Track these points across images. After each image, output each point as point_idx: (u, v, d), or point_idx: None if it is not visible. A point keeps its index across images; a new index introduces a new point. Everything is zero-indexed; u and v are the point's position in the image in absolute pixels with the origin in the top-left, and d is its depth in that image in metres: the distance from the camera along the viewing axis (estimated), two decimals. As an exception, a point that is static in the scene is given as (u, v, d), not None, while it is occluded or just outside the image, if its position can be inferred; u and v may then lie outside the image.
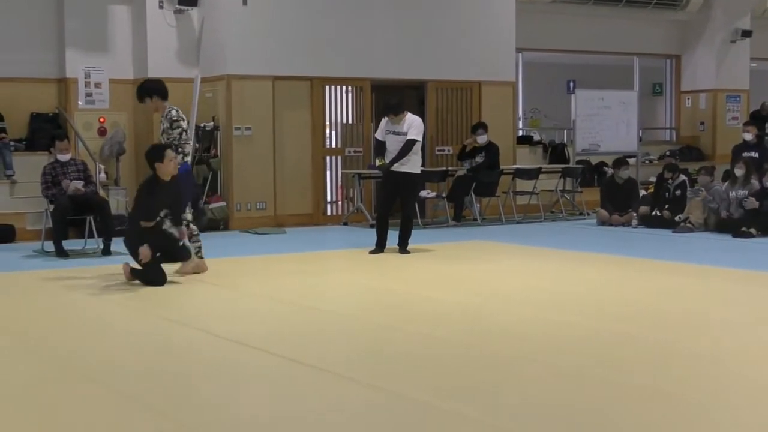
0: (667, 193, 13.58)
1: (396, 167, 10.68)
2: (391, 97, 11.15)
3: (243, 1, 13.62)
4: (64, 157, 11.02)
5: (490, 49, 15.54)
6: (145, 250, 8.43)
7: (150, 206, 8.59)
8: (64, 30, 13.70)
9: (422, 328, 6.74)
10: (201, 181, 13.83)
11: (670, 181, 13.59)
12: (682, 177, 13.75)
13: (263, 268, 10.11)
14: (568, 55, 18.81)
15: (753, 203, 12.33)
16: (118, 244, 11.14)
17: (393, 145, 10.73)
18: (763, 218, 12.25)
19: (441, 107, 15.40)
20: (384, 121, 10.91)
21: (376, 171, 11.64)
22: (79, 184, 10.92)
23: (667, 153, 18.25)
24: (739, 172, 12.92)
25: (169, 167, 8.60)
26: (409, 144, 10.66)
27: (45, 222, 11.23)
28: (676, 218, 13.09)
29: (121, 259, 10.40)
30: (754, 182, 12.87)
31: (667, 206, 13.40)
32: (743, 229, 12.17)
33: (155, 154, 8.69)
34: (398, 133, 10.71)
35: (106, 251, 10.75)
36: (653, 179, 14.97)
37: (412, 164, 10.82)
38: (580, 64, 20.19)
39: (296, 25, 14.05)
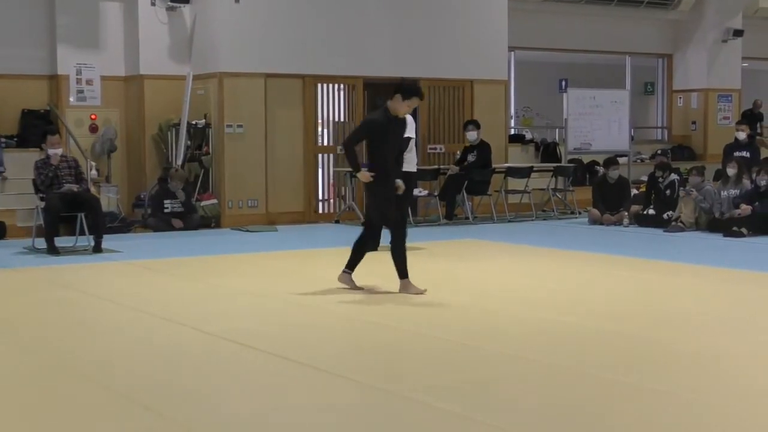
0: (659, 193, 13.61)
1: None
2: (379, 98, 11.13)
3: (235, -2, 13.61)
4: (55, 151, 10.95)
5: (482, 47, 15.54)
6: (401, 183, 8.18)
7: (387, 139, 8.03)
8: (56, 26, 13.66)
9: (414, 326, 6.74)
10: (192, 179, 13.83)
11: (660, 179, 13.62)
12: (673, 176, 13.77)
13: (255, 265, 10.10)
14: (560, 54, 18.82)
15: (746, 211, 12.33)
16: (109, 241, 11.16)
17: None
18: (755, 218, 12.27)
19: (433, 105, 15.39)
20: None
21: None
22: (72, 187, 10.87)
23: (659, 152, 18.29)
24: (731, 171, 12.94)
25: (403, 107, 7.95)
26: (404, 143, 10.67)
27: (36, 219, 11.19)
28: (665, 216, 13.10)
29: (111, 257, 10.41)
30: (746, 182, 12.90)
31: (654, 206, 13.46)
32: (734, 228, 12.19)
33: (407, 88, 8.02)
34: None
35: (97, 249, 10.71)
36: (645, 178, 14.99)
37: (408, 162, 10.82)
38: (572, 63, 20.21)
39: (288, 22, 14.04)
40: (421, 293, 7.91)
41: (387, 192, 8.06)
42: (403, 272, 8.01)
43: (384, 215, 8.11)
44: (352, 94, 14.81)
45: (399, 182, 8.26)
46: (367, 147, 8.15)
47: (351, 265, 8.26)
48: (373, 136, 8.00)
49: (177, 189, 13.07)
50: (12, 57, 13.45)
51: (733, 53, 18.98)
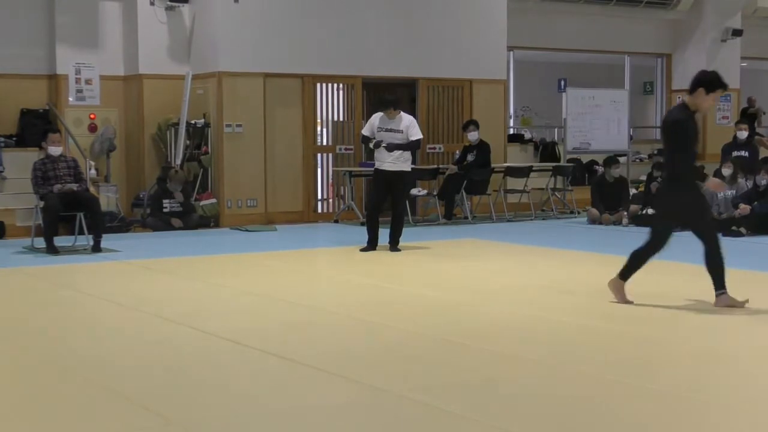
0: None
1: (389, 166, 10.66)
2: (387, 93, 11.04)
3: (234, -3, 13.61)
4: (55, 150, 10.94)
5: (481, 47, 15.55)
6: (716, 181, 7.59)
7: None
8: (55, 26, 13.66)
9: (413, 326, 6.74)
10: (192, 178, 13.82)
11: (659, 179, 13.62)
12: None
13: (254, 265, 10.10)
14: (560, 54, 18.82)
15: (745, 211, 12.32)
16: (108, 240, 11.17)
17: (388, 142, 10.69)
18: (754, 217, 12.26)
19: (432, 105, 15.40)
20: (377, 118, 10.83)
21: (368, 169, 11.66)
22: (73, 186, 10.85)
23: (655, 152, 18.28)
24: (726, 171, 12.93)
25: (707, 101, 7.24)
26: (416, 144, 10.80)
27: (35, 218, 11.19)
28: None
29: (110, 257, 10.41)
30: (741, 181, 12.90)
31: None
32: (733, 228, 12.19)
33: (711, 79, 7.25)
34: (393, 131, 10.67)
35: (96, 248, 10.70)
36: (644, 178, 14.99)
37: (404, 163, 10.83)
38: (571, 63, 20.21)
39: (287, 22, 14.03)
40: (742, 306, 7.24)
41: (700, 195, 7.40)
42: (720, 284, 7.29)
43: (705, 221, 7.45)
44: (351, 93, 14.81)
45: (715, 180, 8.00)
46: (667, 148, 7.41)
47: (624, 274, 7.49)
48: (683, 137, 7.23)
49: (176, 190, 13.07)
50: (11, 56, 13.45)
51: (732, 53, 18.97)
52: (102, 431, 4.48)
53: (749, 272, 9.36)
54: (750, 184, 12.90)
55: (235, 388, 5.18)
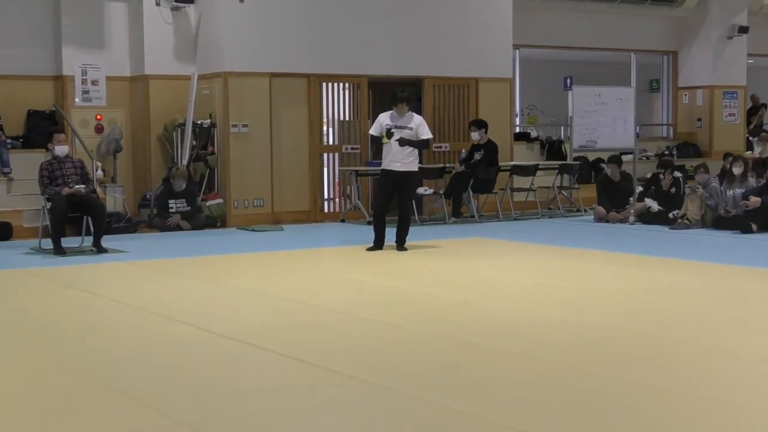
0: (653, 187, 13.63)
1: (397, 167, 10.63)
2: (399, 89, 10.96)
3: (239, -3, 13.62)
4: (61, 150, 10.94)
5: (487, 45, 15.53)
6: None
7: None
8: (61, 27, 13.68)
9: (419, 325, 6.74)
10: (198, 179, 13.84)
11: (662, 176, 13.60)
12: (677, 174, 13.74)
13: (260, 265, 10.11)
14: (565, 52, 18.80)
15: (755, 203, 12.26)
16: (114, 241, 11.19)
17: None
18: (763, 212, 12.18)
19: (438, 104, 15.39)
20: (385, 116, 10.77)
21: (375, 168, 11.64)
22: (81, 188, 10.85)
23: (665, 154, 18.27)
24: (737, 170, 12.88)
25: None
26: (426, 143, 10.84)
27: (42, 219, 11.20)
28: (670, 215, 13.08)
29: (117, 257, 10.42)
30: (751, 180, 12.86)
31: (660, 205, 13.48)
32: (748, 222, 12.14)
33: None
34: (404, 128, 10.63)
35: (100, 249, 10.68)
36: (650, 176, 14.97)
37: (411, 163, 10.81)
38: (577, 61, 20.18)
39: (293, 21, 14.04)
40: None
41: None
42: None
43: None
44: (356, 93, 14.80)
45: None
46: None
47: None
48: None
49: (179, 188, 13.06)
50: (17, 58, 13.47)
51: (739, 50, 18.94)
52: (107, 431, 4.49)
53: (758, 270, 9.34)
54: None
55: (241, 387, 5.18)
